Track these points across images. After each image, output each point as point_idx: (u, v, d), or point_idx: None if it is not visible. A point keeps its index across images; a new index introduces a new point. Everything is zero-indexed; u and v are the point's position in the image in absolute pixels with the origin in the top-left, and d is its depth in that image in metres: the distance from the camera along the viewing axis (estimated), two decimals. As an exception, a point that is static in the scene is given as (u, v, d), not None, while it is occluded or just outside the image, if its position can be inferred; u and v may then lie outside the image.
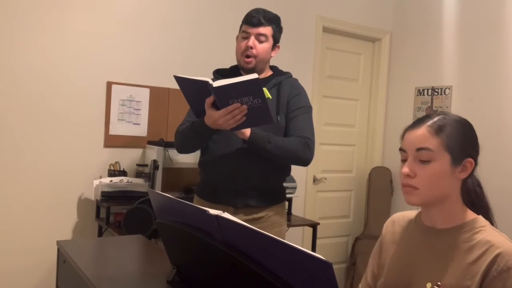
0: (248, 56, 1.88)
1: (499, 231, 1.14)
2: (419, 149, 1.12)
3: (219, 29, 3.08)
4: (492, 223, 1.19)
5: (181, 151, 1.94)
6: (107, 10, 2.76)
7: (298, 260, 0.73)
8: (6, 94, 2.52)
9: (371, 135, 3.96)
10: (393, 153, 3.70)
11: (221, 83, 1.56)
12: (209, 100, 1.63)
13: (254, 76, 1.54)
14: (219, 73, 2.00)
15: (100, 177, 2.68)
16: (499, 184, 3.08)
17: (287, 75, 2.01)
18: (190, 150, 1.95)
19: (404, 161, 1.16)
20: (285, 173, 2.00)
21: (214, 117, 1.63)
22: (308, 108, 1.96)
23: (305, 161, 1.88)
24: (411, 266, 1.19)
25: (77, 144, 2.71)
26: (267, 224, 1.91)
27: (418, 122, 1.16)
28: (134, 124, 2.87)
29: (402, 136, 1.19)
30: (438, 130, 1.12)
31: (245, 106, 1.59)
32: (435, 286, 1.11)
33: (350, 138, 3.89)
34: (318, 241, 3.07)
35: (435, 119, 1.14)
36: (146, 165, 2.77)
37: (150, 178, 2.62)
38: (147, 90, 2.88)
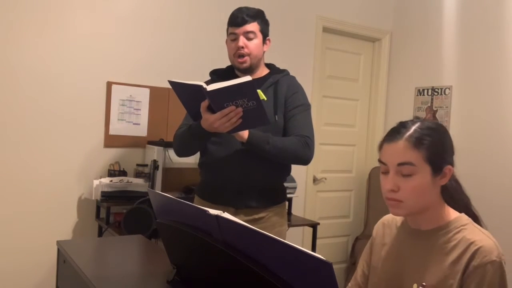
0: (241, 56, 1.88)
1: (481, 228, 1.17)
2: (400, 164, 1.13)
3: (219, 29, 3.06)
4: (473, 215, 1.22)
5: (180, 154, 1.94)
6: (107, 10, 2.76)
7: (298, 260, 0.73)
8: (6, 94, 2.52)
9: (371, 135, 3.96)
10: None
11: (215, 86, 1.56)
12: (204, 104, 1.63)
13: (247, 78, 1.53)
14: (215, 74, 2.00)
15: (100, 177, 2.67)
16: (500, 184, 3.08)
17: (284, 73, 1.99)
18: (189, 153, 1.95)
19: (384, 173, 1.18)
20: (286, 173, 2.00)
21: (210, 121, 1.63)
22: (307, 106, 1.95)
23: (305, 160, 1.87)
24: (400, 268, 1.22)
25: (77, 144, 2.71)
26: (267, 224, 1.90)
27: (395, 134, 1.17)
28: (134, 124, 2.87)
29: (380, 147, 1.20)
30: (417, 143, 1.13)
31: (240, 109, 1.59)
32: (420, 287, 1.14)
33: (350, 138, 3.89)
34: (318, 241, 3.07)
35: (411, 130, 1.15)
36: (146, 165, 2.77)
37: (150, 178, 2.62)
38: (147, 90, 2.88)
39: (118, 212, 2.57)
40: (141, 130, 2.89)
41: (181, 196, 2.66)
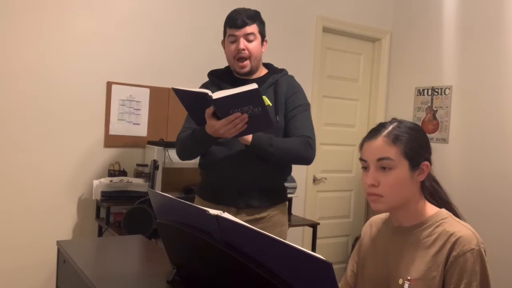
0: (241, 59, 1.87)
1: (459, 220, 1.22)
2: (380, 159, 1.19)
3: (219, 29, 3.07)
4: (455, 212, 1.26)
5: (183, 158, 1.94)
6: (107, 10, 2.76)
7: (298, 260, 0.73)
8: (6, 94, 2.52)
9: (371, 135, 3.96)
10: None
11: (221, 94, 1.56)
12: (209, 111, 1.63)
13: (253, 86, 1.53)
14: (214, 75, 1.99)
15: (100, 177, 2.67)
16: (500, 183, 3.08)
17: (283, 72, 1.99)
18: (192, 157, 1.96)
19: (364, 168, 1.23)
20: (286, 173, 2.00)
21: (215, 127, 1.64)
22: (307, 106, 1.95)
23: (307, 160, 1.88)
24: (386, 266, 1.26)
25: (77, 144, 2.71)
26: (269, 224, 1.91)
27: (374, 133, 1.23)
28: (134, 124, 2.87)
29: (361, 146, 1.26)
30: (394, 139, 1.19)
31: (245, 115, 1.60)
32: (405, 281, 1.18)
33: (350, 138, 3.89)
34: (318, 241, 3.07)
35: (390, 128, 1.22)
36: (146, 165, 2.77)
37: (150, 178, 2.62)
38: (147, 90, 2.88)
39: (118, 212, 2.57)
40: (141, 130, 2.89)
41: (181, 196, 2.66)
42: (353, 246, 3.77)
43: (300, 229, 3.46)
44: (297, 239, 3.45)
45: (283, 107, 1.90)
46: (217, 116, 1.63)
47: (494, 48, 3.18)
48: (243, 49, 1.85)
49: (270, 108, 1.83)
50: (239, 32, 1.86)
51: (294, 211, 3.23)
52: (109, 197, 2.57)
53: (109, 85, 2.78)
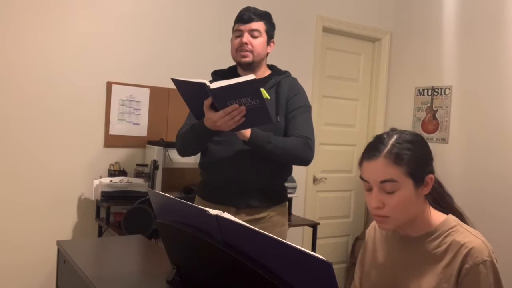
0: (243, 51, 1.88)
1: (468, 228, 1.18)
2: (382, 181, 1.14)
3: (219, 29, 3.08)
4: (458, 213, 1.23)
5: (183, 154, 1.94)
6: (107, 10, 2.76)
7: (298, 260, 0.73)
8: (6, 94, 2.52)
9: (371, 135, 3.91)
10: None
11: (218, 84, 1.55)
12: (207, 102, 1.63)
13: (251, 77, 1.53)
14: (217, 74, 2.00)
15: (100, 177, 2.67)
16: (500, 183, 3.08)
17: (286, 74, 2.00)
18: (191, 153, 1.96)
19: (368, 190, 1.18)
20: (287, 173, 2.00)
21: (213, 119, 1.63)
22: (307, 107, 1.96)
23: (305, 161, 1.88)
24: (394, 276, 1.23)
25: (77, 144, 2.71)
26: (269, 224, 1.91)
27: (373, 151, 1.16)
28: (134, 124, 2.87)
29: (360, 164, 1.20)
30: (396, 159, 1.13)
31: (243, 107, 1.59)
32: None
33: (350, 138, 3.89)
34: (318, 241, 3.07)
35: (389, 146, 1.15)
36: (146, 165, 2.77)
37: (150, 178, 2.62)
38: (147, 90, 2.88)
39: (118, 212, 2.57)
40: (141, 130, 2.89)
41: (181, 196, 2.66)
42: (353, 246, 3.78)
43: (300, 229, 3.46)
44: (297, 239, 3.45)
45: (284, 108, 1.91)
46: (215, 108, 1.63)
47: (494, 48, 3.18)
48: (246, 43, 1.87)
49: (270, 106, 1.83)
50: (244, 27, 1.89)
51: (294, 211, 3.23)
52: (109, 197, 2.57)
53: (109, 85, 2.78)
